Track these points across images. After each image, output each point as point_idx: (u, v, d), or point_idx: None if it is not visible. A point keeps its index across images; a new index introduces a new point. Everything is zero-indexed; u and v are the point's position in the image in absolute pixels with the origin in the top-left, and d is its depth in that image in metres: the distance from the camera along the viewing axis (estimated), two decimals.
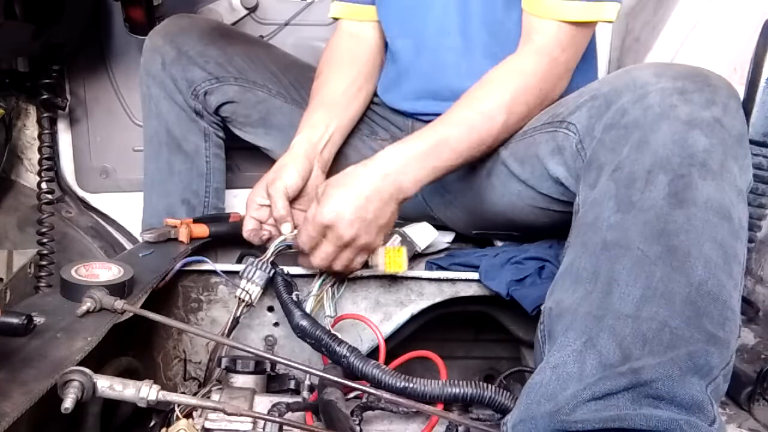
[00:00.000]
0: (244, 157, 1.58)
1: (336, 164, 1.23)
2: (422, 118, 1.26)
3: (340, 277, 1.04)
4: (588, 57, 1.20)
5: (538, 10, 1.03)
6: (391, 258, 1.00)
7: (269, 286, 0.99)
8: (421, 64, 1.23)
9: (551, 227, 1.09)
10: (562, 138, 0.94)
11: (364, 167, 0.98)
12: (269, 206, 1.10)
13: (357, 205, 0.94)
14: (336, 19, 1.37)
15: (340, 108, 1.25)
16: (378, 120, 1.36)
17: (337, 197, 0.95)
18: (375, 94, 1.35)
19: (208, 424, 0.82)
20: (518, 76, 1.03)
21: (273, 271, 0.99)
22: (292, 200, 1.11)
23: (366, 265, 1.03)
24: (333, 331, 0.93)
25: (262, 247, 1.11)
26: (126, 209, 1.62)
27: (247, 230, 1.11)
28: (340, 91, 1.26)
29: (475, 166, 1.13)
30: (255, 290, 0.98)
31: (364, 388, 0.84)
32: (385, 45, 1.34)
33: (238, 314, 0.98)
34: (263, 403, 0.90)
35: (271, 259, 1.00)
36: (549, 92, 1.05)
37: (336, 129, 1.22)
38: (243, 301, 0.98)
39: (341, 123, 1.24)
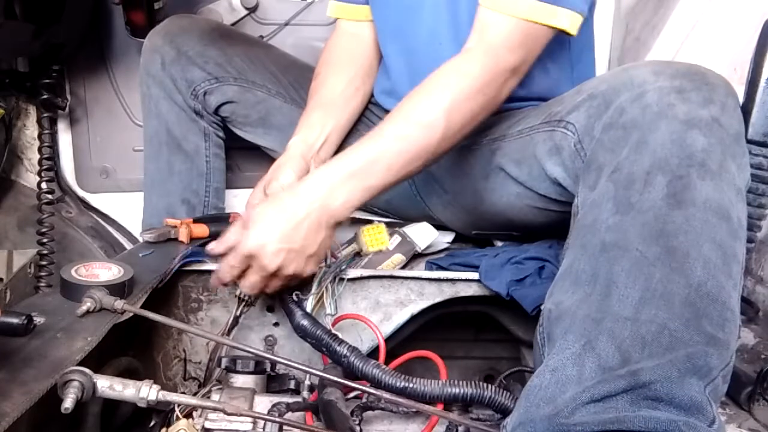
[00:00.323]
0: (244, 157, 1.58)
1: None
2: None
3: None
4: (587, 57, 1.20)
5: (491, 3, 0.98)
6: (371, 236, 1.00)
7: None
8: (416, 72, 1.22)
9: (551, 227, 1.09)
10: (560, 138, 0.94)
11: (291, 193, 0.94)
12: None
13: (282, 234, 0.90)
14: (335, 19, 1.37)
15: (338, 108, 1.25)
16: (376, 121, 1.35)
17: (261, 226, 0.91)
18: (373, 95, 1.35)
19: (208, 424, 0.82)
20: (459, 77, 0.96)
21: None
22: None
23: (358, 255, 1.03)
24: (333, 331, 0.93)
25: None
26: (126, 209, 1.62)
27: None
28: (337, 91, 1.26)
29: (471, 168, 1.13)
30: None
31: (364, 388, 0.84)
32: None
33: (238, 314, 0.98)
34: (263, 403, 0.90)
35: None
36: (492, 97, 0.98)
37: (333, 129, 1.22)
38: (243, 300, 0.98)
39: (339, 123, 1.24)
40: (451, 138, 0.97)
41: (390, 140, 0.95)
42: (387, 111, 1.32)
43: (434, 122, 0.95)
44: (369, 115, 1.35)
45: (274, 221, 0.91)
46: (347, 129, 1.28)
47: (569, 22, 0.98)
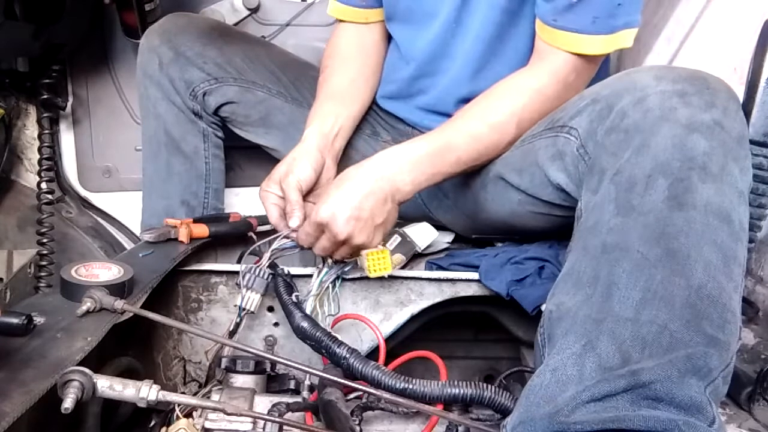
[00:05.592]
0: (244, 156, 1.58)
1: (338, 164, 1.23)
2: (425, 130, 1.26)
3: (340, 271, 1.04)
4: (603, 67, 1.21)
5: (554, 41, 1.03)
6: (373, 261, 0.99)
7: (269, 287, 1.00)
8: (425, 83, 1.23)
9: (552, 231, 1.09)
10: (563, 143, 0.94)
11: (359, 168, 0.98)
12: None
13: (352, 205, 0.95)
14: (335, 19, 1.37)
15: (349, 99, 1.25)
16: (380, 121, 1.36)
17: (333, 197, 0.96)
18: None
19: (208, 424, 0.82)
20: (531, 93, 1.04)
21: (271, 275, 0.99)
22: (306, 193, 1.09)
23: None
24: (333, 333, 0.93)
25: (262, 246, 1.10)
26: (129, 208, 1.62)
27: (275, 219, 1.08)
28: (347, 83, 1.26)
29: (471, 179, 1.13)
30: (255, 298, 0.99)
31: (364, 388, 0.84)
32: (388, 40, 1.34)
33: (238, 320, 0.98)
34: (263, 403, 0.90)
35: (268, 263, 1.00)
36: (555, 111, 1.05)
37: (346, 119, 1.22)
38: (244, 309, 0.99)
39: (350, 114, 1.24)
40: (514, 142, 1.05)
41: (461, 135, 1.02)
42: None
43: (505, 126, 1.03)
44: (373, 115, 1.35)
45: (344, 193, 0.96)
46: (359, 119, 1.28)
47: (629, 39, 1.02)
